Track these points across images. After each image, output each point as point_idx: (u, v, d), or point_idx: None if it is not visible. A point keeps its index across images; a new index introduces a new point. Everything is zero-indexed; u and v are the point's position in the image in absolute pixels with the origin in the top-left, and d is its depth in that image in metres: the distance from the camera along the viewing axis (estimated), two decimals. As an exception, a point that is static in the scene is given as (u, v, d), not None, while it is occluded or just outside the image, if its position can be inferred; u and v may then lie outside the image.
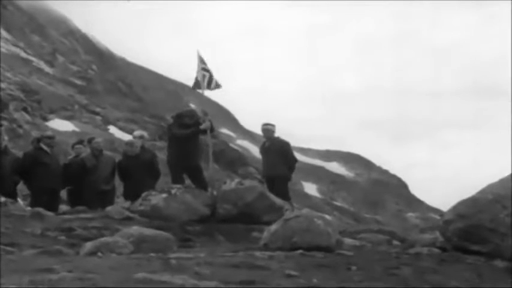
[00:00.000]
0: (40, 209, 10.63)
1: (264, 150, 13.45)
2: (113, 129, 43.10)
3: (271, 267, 5.47)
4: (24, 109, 37.01)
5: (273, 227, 7.28)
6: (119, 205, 11.68)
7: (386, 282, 5.10)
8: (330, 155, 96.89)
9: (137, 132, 15.12)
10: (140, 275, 4.67)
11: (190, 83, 13.45)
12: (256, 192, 10.74)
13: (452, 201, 7.17)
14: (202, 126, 12.48)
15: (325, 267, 5.61)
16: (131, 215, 10.45)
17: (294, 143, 13.63)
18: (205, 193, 11.45)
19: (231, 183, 11.23)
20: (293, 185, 13.70)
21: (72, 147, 14.22)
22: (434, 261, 6.23)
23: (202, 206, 10.77)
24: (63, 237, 8.35)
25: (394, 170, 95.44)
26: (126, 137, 30.43)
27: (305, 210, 7.70)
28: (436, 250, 6.99)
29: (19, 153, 13.77)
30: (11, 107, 35.16)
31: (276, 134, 13.34)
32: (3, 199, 10.97)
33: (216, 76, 13.00)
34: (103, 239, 7.05)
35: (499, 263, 6.20)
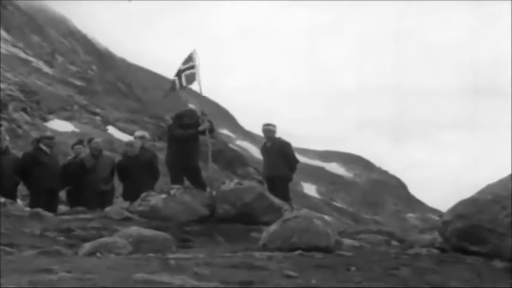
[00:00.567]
0: (39, 210, 10.62)
1: (264, 150, 13.45)
2: (112, 130, 43.11)
3: (270, 267, 5.47)
4: (24, 109, 37.01)
5: (272, 227, 7.28)
6: (118, 205, 11.67)
7: (385, 282, 5.10)
8: (329, 156, 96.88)
9: (138, 133, 15.12)
10: (139, 275, 4.67)
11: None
12: (255, 193, 10.73)
13: (451, 201, 7.18)
14: (200, 128, 12.47)
15: (324, 268, 5.61)
16: (130, 215, 10.44)
17: (293, 143, 13.63)
18: (204, 193, 11.44)
19: (230, 184, 11.22)
20: (292, 186, 13.69)
21: (72, 147, 14.22)
22: (433, 261, 6.23)
23: (201, 207, 10.76)
24: (62, 238, 8.35)
25: (393, 170, 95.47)
26: (126, 137, 30.45)
27: (304, 211, 7.69)
28: (435, 251, 6.99)
29: (18, 154, 13.78)
30: (11, 107, 35.18)
31: (276, 135, 13.34)
32: (2, 199, 10.96)
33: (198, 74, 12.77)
34: (102, 240, 7.06)
35: (498, 264, 6.19)
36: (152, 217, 10.31)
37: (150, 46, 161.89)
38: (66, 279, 4.50)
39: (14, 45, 54.05)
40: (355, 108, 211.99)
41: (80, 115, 43.53)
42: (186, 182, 12.36)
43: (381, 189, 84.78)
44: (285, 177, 13.14)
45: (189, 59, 12.72)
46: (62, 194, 13.64)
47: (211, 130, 12.86)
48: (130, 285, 4.41)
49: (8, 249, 6.84)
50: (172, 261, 5.59)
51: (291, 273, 5.19)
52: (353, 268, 5.62)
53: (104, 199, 12.61)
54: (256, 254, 6.41)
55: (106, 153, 14.32)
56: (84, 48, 69.73)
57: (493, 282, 5.38)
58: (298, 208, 12.82)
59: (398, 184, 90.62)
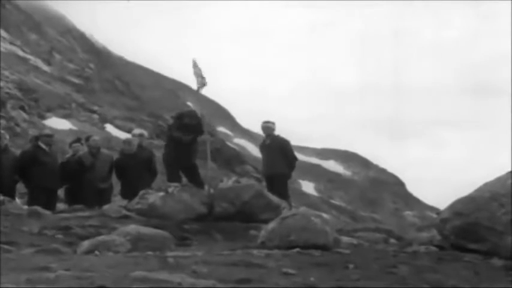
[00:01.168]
0: (37, 208, 10.61)
1: (263, 148, 13.44)
2: (110, 128, 43.10)
3: (268, 265, 5.47)
4: (22, 108, 36.98)
5: (270, 225, 7.28)
6: (116, 203, 11.67)
7: (383, 280, 5.10)
8: (327, 154, 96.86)
9: (136, 130, 15.10)
10: (137, 273, 4.67)
11: (188, 81, 13.41)
12: (254, 191, 10.73)
13: (449, 199, 7.19)
14: (200, 139, 12.57)
15: (322, 266, 5.61)
16: (128, 213, 10.44)
17: (291, 141, 13.61)
18: (203, 191, 11.44)
19: (228, 182, 11.23)
20: (290, 184, 13.70)
21: (70, 145, 14.21)
22: (431, 259, 6.23)
23: (200, 205, 10.76)
24: (60, 236, 8.35)
25: (391, 168, 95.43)
26: (124, 135, 30.44)
27: (302, 209, 7.72)
28: (434, 248, 7.00)
29: (17, 152, 13.76)
30: (9, 105, 35.15)
31: (275, 132, 13.34)
32: (1, 198, 10.96)
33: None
34: (100, 238, 7.06)
35: (497, 262, 6.20)
36: (150, 215, 10.31)
37: (148, 45, 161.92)
38: (64, 277, 4.50)
39: (12, 43, 53.96)
40: (353, 107, 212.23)
41: (78, 113, 43.51)
42: (184, 180, 12.36)
43: (379, 187, 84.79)
44: (284, 174, 13.13)
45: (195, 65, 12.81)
46: (61, 192, 13.63)
47: (211, 134, 12.95)
48: (128, 283, 4.41)
49: (6, 247, 6.83)
50: (170, 259, 5.59)
51: (289, 271, 5.19)
52: (351, 266, 5.63)
53: (102, 197, 12.59)
54: (255, 251, 6.42)
55: (104, 151, 14.30)
56: (82, 47, 69.65)
57: (491, 280, 5.38)
58: (297, 206, 12.83)
59: (397, 182, 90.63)
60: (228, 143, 59.13)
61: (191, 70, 12.57)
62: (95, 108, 46.51)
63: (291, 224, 7.01)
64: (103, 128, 42.24)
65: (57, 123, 38.82)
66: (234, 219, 10.34)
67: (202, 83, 12.36)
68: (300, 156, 14.69)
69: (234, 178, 12.98)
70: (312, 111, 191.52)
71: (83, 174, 12.96)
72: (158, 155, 14.16)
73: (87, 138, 13.92)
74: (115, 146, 25.83)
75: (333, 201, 69.03)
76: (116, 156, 13.87)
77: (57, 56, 60.25)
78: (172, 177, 12.21)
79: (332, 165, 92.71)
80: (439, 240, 7.18)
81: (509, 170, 6.98)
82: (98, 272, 4.81)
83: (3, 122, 30.36)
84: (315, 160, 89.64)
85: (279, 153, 12.98)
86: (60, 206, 13.16)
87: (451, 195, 7.34)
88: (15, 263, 5.35)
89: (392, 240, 9.46)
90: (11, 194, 12.03)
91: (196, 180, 12.22)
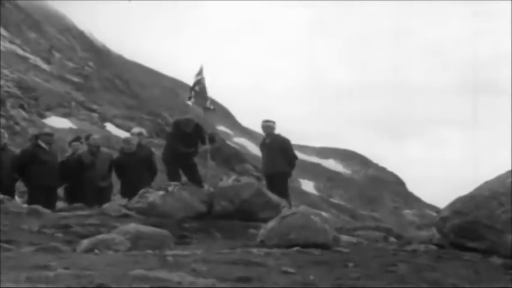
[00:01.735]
0: (37, 206, 10.62)
1: (264, 146, 13.45)
2: (109, 127, 43.09)
3: (267, 264, 5.47)
4: (21, 106, 36.97)
5: (270, 224, 7.29)
6: (116, 202, 11.67)
7: (383, 279, 5.10)
8: (326, 152, 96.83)
9: (136, 129, 15.11)
10: (137, 271, 4.67)
11: (187, 80, 13.48)
12: (253, 189, 10.73)
13: (449, 198, 7.19)
14: (201, 150, 12.63)
15: (321, 264, 5.61)
16: (128, 212, 10.45)
17: (290, 140, 13.62)
18: (202, 190, 11.44)
19: (228, 180, 11.23)
20: (290, 182, 13.67)
21: (69, 144, 14.21)
22: (431, 258, 6.23)
23: (199, 203, 10.76)
24: (60, 235, 8.35)
25: (391, 167, 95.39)
26: (123, 134, 30.47)
27: (302, 207, 7.71)
28: (433, 247, 7.00)
29: (16, 151, 13.76)
30: (8, 104, 35.13)
31: (275, 131, 13.35)
32: (0, 196, 10.96)
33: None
34: (100, 236, 7.06)
35: (496, 260, 6.20)
36: (150, 214, 10.31)
37: (147, 43, 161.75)
38: (64, 276, 4.50)
39: (11, 42, 53.94)
40: (353, 105, 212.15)
41: (78, 112, 43.50)
42: (183, 179, 12.37)
43: (378, 185, 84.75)
44: (284, 173, 13.14)
45: (199, 72, 12.83)
46: (60, 191, 13.63)
47: (212, 139, 13.06)
48: (128, 281, 4.41)
49: (6, 246, 6.84)
50: (170, 258, 5.60)
51: (289, 269, 5.19)
52: (351, 264, 5.63)
53: (102, 196, 12.60)
54: (254, 250, 6.42)
55: (104, 150, 14.30)
56: (81, 45, 69.62)
57: (490, 279, 5.38)
58: (296, 205, 12.83)
59: (396, 181, 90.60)
60: (228, 142, 59.13)
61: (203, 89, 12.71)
62: (95, 107, 46.51)
63: (291, 223, 7.01)
64: (103, 127, 42.22)
65: (56, 121, 38.80)
66: (234, 218, 10.34)
67: (204, 105, 12.61)
68: (299, 155, 14.68)
69: (233, 177, 12.97)
70: (312, 110, 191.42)
71: (82, 172, 12.96)
72: (158, 153, 14.17)
73: (87, 137, 13.92)
74: (115, 144, 25.83)
75: (332, 199, 69.02)
76: (115, 155, 13.87)
77: (57, 55, 60.21)
78: (172, 176, 12.23)
79: (332, 164, 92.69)
80: (438, 239, 7.19)
81: (509, 168, 6.99)
82: (98, 270, 4.81)
83: (2, 120, 30.38)
84: (314, 159, 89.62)
85: (279, 152, 12.99)
86: (60, 204, 13.17)
87: (450, 194, 7.36)
88: (14, 261, 5.35)
89: (391, 239, 9.46)
90: (10, 193, 12.03)
91: (195, 179, 12.24)
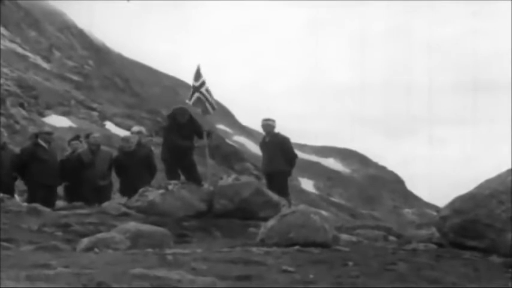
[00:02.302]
0: (37, 205, 10.62)
1: (264, 145, 13.45)
2: (109, 125, 43.04)
3: (267, 262, 5.47)
4: (21, 105, 36.94)
5: (270, 222, 7.28)
6: (116, 201, 11.68)
7: (382, 278, 5.10)
8: (326, 151, 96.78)
9: (135, 128, 15.11)
10: (137, 270, 4.67)
11: (187, 78, 13.49)
12: (253, 188, 10.75)
13: (449, 197, 7.19)
14: (198, 144, 12.64)
15: (321, 263, 5.62)
16: (128, 210, 10.46)
17: (290, 139, 13.62)
18: (202, 189, 11.45)
19: (228, 179, 11.24)
20: (289, 181, 13.68)
21: (69, 143, 14.21)
22: (430, 257, 6.23)
23: (199, 202, 10.77)
24: (59, 233, 8.36)
25: (390, 166, 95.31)
26: (123, 132, 30.45)
27: (301, 206, 7.70)
28: (433, 246, 7.00)
29: (16, 149, 13.75)
30: (8, 102, 35.11)
31: (275, 130, 13.35)
32: (0, 195, 10.96)
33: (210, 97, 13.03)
34: (99, 235, 7.07)
35: (496, 259, 6.20)
36: (150, 212, 10.32)
37: (147, 41, 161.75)
38: (63, 275, 4.50)
39: (11, 41, 53.91)
40: (353, 104, 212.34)
41: (77, 110, 43.44)
42: (183, 178, 12.36)
43: (378, 184, 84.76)
44: (284, 172, 13.15)
45: (198, 74, 12.79)
46: (60, 190, 13.62)
47: (209, 135, 13.06)
48: (128, 280, 4.41)
49: (6, 244, 6.85)
50: (169, 257, 5.60)
51: (289, 268, 5.20)
52: (350, 263, 5.63)
53: (101, 194, 12.59)
54: (254, 249, 6.43)
55: (104, 148, 14.30)
56: (81, 43, 69.56)
57: (490, 278, 5.38)
58: (296, 204, 12.83)
59: (396, 179, 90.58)
60: (228, 141, 59.12)
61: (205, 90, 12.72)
62: (94, 105, 46.46)
63: (290, 222, 7.01)
64: (102, 125, 42.18)
65: (56, 120, 38.75)
66: (233, 217, 10.35)
67: (206, 109, 12.64)
68: (299, 154, 14.68)
69: (233, 175, 12.99)
70: (311, 108, 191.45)
71: (82, 171, 12.96)
72: (157, 152, 14.17)
73: (87, 136, 13.93)
74: (114, 143, 25.81)
75: (332, 198, 69.00)
76: (115, 153, 13.87)
77: (57, 53, 60.19)
78: (171, 175, 12.22)
79: (331, 163, 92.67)
80: (438, 238, 7.19)
81: (509, 167, 6.99)
82: (97, 269, 4.81)
83: (2, 119, 30.33)
84: (314, 158, 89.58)
85: (279, 151, 12.99)
86: (60, 203, 13.16)
87: (450, 193, 7.35)
88: (14, 260, 5.35)
89: (391, 238, 9.47)
90: (10, 191, 12.04)
91: (194, 178, 12.22)
